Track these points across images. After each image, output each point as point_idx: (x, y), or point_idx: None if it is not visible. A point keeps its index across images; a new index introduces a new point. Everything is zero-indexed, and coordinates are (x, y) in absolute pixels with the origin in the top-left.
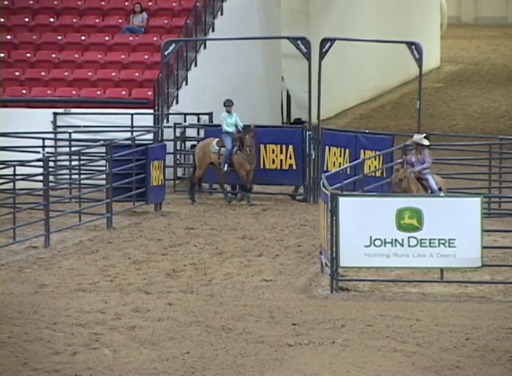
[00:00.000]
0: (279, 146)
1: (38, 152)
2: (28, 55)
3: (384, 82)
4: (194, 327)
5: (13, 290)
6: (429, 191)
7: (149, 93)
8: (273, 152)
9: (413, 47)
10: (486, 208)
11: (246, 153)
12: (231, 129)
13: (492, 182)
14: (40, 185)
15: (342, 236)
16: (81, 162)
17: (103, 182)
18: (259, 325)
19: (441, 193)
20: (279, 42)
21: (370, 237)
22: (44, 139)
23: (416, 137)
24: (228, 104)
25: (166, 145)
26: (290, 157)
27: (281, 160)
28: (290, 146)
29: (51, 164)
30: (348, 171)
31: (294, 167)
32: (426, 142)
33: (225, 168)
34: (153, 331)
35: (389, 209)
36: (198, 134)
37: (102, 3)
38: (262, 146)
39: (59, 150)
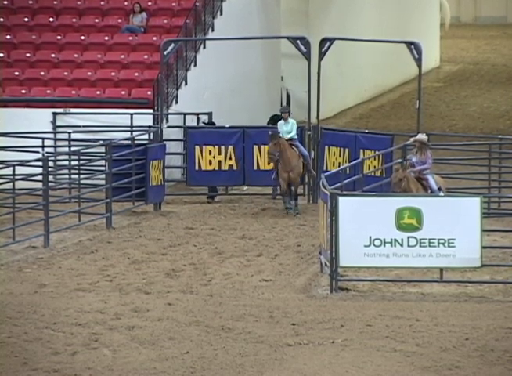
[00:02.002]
0: None
1: (38, 152)
2: (28, 55)
3: (384, 82)
4: (194, 326)
5: (13, 290)
6: (429, 191)
7: (149, 93)
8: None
9: (413, 47)
10: (486, 208)
11: (284, 161)
12: (286, 137)
13: (492, 182)
14: (39, 185)
15: (341, 236)
16: (81, 162)
17: (103, 182)
18: (258, 325)
19: (441, 193)
20: (279, 42)
21: (370, 237)
22: (43, 138)
23: (422, 137)
24: (283, 111)
25: (165, 145)
26: None
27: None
28: None
29: (50, 163)
30: (348, 171)
31: None
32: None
33: (272, 177)
34: (152, 331)
35: (389, 209)
36: (184, 135)
37: (102, 3)
38: (256, 146)
39: (59, 149)
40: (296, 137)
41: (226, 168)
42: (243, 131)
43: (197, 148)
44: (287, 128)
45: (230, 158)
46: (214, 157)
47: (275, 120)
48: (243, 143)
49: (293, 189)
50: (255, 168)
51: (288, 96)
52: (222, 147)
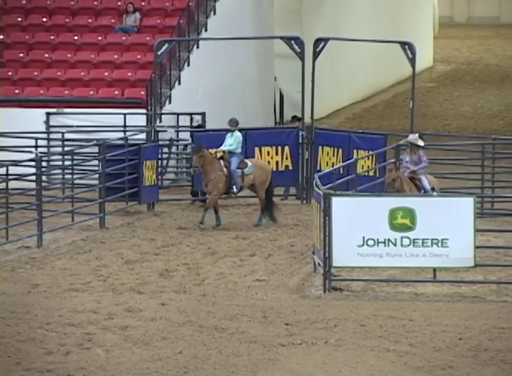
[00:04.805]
0: (274, 147)
1: (31, 152)
2: (21, 55)
3: (377, 82)
4: (187, 326)
5: (6, 290)
6: (422, 191)
7: (142, 93)
8: (268, 154)
9: (407, 47)
10: (479, 208)
11: (203, 174)
12: (227, 149)
13: (485, 182)
14: (33, 185)
15: (335, 236)
16: (74, 162)
17: (96, 182)
18: (252, 325)
19: (434, 193)
20: (272, 42)
21: (363, 237)
22: (37, 138)
23: (412, 137)
24: (230, 123)
25: (159, 145)
26: (287, 158)
27: (277, 162)
28: (286, 148)
29: (44, 163)
30: (341, 171)
31: (291, 168)
32: (421, 143)
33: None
34: (145, 331)
35: (382, 209)
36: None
37: (95, 3)
38: (257, 148)
39: (52, 149)
40: (237, 152)
41: None
42: (245, 133)
43: None
44: (230, 141)
45: None
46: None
47: (295, 120)
48: (245, 145)
49: (206, 206)
50: None
51: (281, 96)
52: None
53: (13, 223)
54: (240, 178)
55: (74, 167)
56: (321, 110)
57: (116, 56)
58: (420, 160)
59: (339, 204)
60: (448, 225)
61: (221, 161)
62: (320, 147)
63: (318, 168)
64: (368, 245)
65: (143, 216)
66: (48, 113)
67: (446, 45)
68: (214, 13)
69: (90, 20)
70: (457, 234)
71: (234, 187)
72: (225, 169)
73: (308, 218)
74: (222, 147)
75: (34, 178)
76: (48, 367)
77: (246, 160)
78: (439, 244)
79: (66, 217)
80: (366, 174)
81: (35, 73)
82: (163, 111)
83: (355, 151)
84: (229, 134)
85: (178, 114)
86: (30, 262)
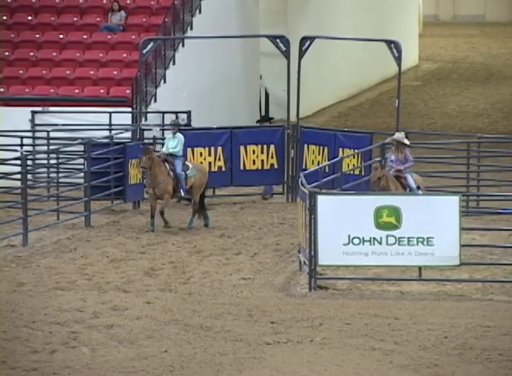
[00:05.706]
0: (259, 146)
1: (16, 150)
2: (6, 53)
3: (362, 81)
4: (172, 325)
5: None
6: (407, 189)
7: (128, 91)
8: (254, 152)
9: (392, 45)
10: (464, 207)
11: (151, 177)
12: (169, 151)
13: (471, 180)
14: (18, 183)
15: (320, 235)
16: (59, 160)
17: (81, 180)
18: (237, 323)
19: (420, 192)
20: (258, 41)
21: (349, 236)
22: (22, 137)
23: (398, 135)
24: (170, 126)
25: (144, 143)
26: (272, 157)
27: (262, 161)
28: (272, 146)
29: (29, 162)
30: (327, 170)
31: (276, 166)
32: (407, 142)
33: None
34: (131, 330)
35: (367, 207)
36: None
37: (81, 1)
38: (242, 147)
39: (38, 148)
40: (179, 154)
41: (216, 169)
42: (230, 131)
43: (189, 150)
44: (173, 143)
45: (219, 159)
46: (204, 159)
47: (264, 120)
48: (231, 144)
49: (161, 209)
50: (241, 168)
51: (267, 95)
52: (212, 148)
53: None
54: (184, 181)
55: (60, 165)
56: (306, 108)
57: (101, 55)
58: (406, 158)
59: (324, 202)
60: (434, 223)
61: (167, 164)
62: (306, 146)
63: (303, 166)
64: (353, 244)
65: (129, 215)
66: (33, 112)
67: (432, 44)
68: (200, 12)
69: (75, 19)
70: (443, 233)
71: (181, 190)
72: (171, 172)
73: (293, 216)
74: (164, 149)
75: (19, 176)
76: (33, 366)
77: (188, 163)
78: (425, 243)
79: (52, 215)
80: (352, 172)
81: (20, 71)
82: (148, 110)
83: (340, 149)
84: (170, 136)
85: (163, 113)
86: (16, 261)
